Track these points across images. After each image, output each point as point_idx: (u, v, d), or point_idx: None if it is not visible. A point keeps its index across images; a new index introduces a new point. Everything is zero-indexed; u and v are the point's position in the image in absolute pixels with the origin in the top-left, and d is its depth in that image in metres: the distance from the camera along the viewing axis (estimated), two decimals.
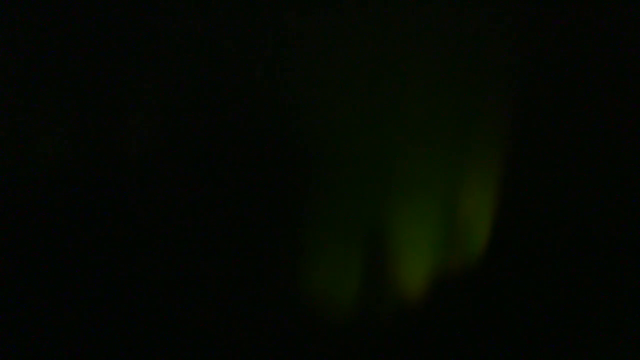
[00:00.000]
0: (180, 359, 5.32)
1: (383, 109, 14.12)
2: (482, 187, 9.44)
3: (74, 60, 18.64)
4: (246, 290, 6.45)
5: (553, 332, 5.71)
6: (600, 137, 12.20)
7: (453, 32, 25.65)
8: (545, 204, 8.86)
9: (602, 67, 18.86)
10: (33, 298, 5.73)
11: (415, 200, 8.96)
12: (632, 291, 6.36)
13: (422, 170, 10.20)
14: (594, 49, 21.84)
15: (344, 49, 21.67)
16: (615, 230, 7.86)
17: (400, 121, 13.15)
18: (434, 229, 7.98)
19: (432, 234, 7.84)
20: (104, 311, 5.87)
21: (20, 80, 15.44)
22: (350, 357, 5.46)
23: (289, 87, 16.09)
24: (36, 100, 13.93)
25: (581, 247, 7.43)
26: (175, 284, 6.51)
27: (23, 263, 6.26)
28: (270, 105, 14.26)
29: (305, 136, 12.15)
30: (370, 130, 12.51)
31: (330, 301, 6.28)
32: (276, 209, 8.53)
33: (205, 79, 16.66)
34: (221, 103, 14.53)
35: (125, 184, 9.43)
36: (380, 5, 34.26)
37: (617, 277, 6.64)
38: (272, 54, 20.45)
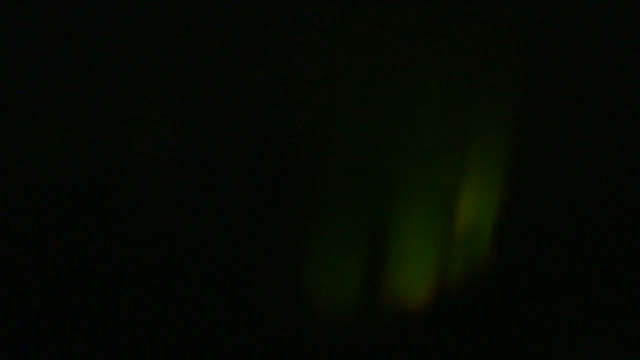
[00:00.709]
0: (183, 359, 5.31)
1: (387, 112, 14.10)
2: (486, 191, 9.42)
3: (75, 60, 18.63)
4: (248, 291, 6.44)
5: (556, 336, 5.70)
6: (605, 140, 12.17)
7: (458, 37, 25.59)
8: (549, 207, 8.84)
9: (605, 69, 18.81)
10: (33, 297, 5.73)
11: (419, 203, 8.94)
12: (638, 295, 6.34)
13: (426, 174, 10.19)
14: (596, 51, 21.80)
15: (347, 50, 21.63)
16: (623, 233, 7.84)
17: (405, 124, 13.13)
18: (437, 233, 7.96)
19: (435, 238, 7.83)
20: (106, 311, 5.87)
21: (21, 83, 15.43)
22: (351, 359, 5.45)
23: (291, 88, 16.07)
24: (38, 100, 13.93)
25: (586, 250, 7.41)
26: (178, 284, 6.50)
27: (23, 262, 6.26)
28: (273, 106, 14.24)
29: (309, 137, 12.14)
30: (373, 133, 12.49)
31: (331, 305, 6.27)
32: (279, 212, 8.52)
33: (208, 78, 16.64)
34: (224, 103, 14.52)
35: (129, 183, 9.42)
36: (383, 7, 34.19)
37: (624, 283, 6.63)
38: (275, 54, 20.42)
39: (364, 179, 9.84)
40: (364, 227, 8.11)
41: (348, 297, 6.39)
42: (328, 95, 15.48)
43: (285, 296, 6.36)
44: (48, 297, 5.90)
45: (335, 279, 6.77)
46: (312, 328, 5.85)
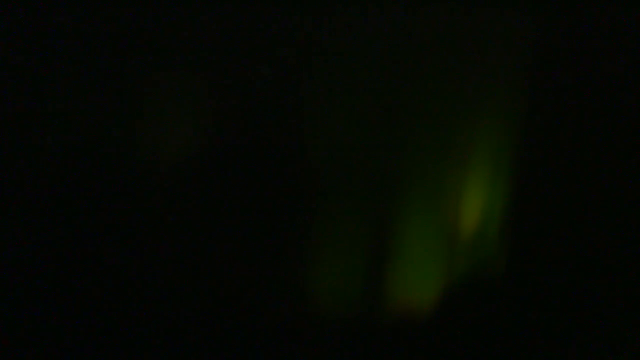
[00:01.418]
0: (183, 359, 5.32)
1: (393, 111, 14.10)
2: (492, 191, 9.41)
3: (75, 61, 18.65)
4: (248, 290, 6.45)
5: (561, 339, 5.69)
6: (609, 140, 12.16)
7: (460, 36, 25.59)
8: (557, 208, 8.83)
9: (607, 69, 18.79)
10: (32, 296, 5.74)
11: (424, 204, 8.94)
12: None
13: (431, 173, 10.19)
14: (599, 51, 21.77)
15: (350, 51, 21.64)
16: (628, 233, 7.83)
17: (410, 123, 13.13)
18: (442, 234, 7.96)
19: (440, 238, 7.83)
20: (108, 311, 5.88)
21: (22, 83, 15.46)
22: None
23: (296, 86, 16.07)
24: (39, 100, 13.96)
25: (593, 252, 7.40)
26: (179, 284, 6.51)
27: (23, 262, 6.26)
28: (277, 104, 14.24)
29: (311, 136, 12.14)
30: (378, 132, 12.49)
31: (335, 304, 6.27)
32: (282, 211, 8.52)
33: (211, 76, 16.65)
34: (226, 101, 14.53)
35: (132, 182, 9.43)
36: (386, 8, 34.18)
37: (629, 284, 6.61)
38: (279, 52, 20.43)
39: (369, 179, 9.84)
40: (368, 229, 8.10)
41: (351, 298, 6.39)
42: (331, 93, 15.48)
43: (287, 296, 6.36)
44: (55, 296, 5.91)
45: (338, 279, 6.77)
46: (314, 328, 5.84)
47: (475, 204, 8.84)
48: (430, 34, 25.88)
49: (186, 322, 5.81)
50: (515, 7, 35.82)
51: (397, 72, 18.04)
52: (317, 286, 6.60)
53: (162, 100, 14.63)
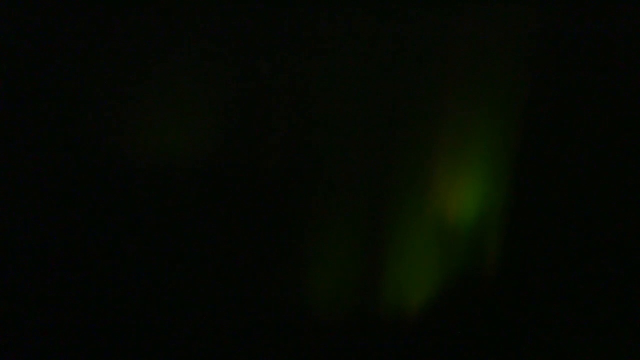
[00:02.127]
0: (181, 359, 5.32)
1: (389, 110, 14.11)
2: (488, 191, 9.42)
3: (73, 61, 18.64)
4: (247, 290, 6.45)
5: (558, 338, 5.70)
6: (608, 141, 12.18)
7: (460, 37, 25.60)
8: (552, 206, 8.84)
9: (608, 69, 18.81)
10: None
11: (420, 204, 8.95)
12: None
13: (427, 173, 10.20)
14: (600, 51, 21.79)
15: (351, 50, 21.65)
16: (626, 232, 7.84)
17: (408, 123, 13.14)
18: (439, 235, 7.96)
19: (437, 240, 7.83)
20: (107, 311, 5.87)
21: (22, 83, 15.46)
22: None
23: (295, 84, 16.08)
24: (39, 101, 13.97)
25: (592, 252, 7.41)
26: (178, 284, 6.51)
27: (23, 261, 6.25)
28: (276, 102, 14.24)
29: (310, 135, 12.15)
30: (375, 131, 12.50)
31: (331, 304, 6.27)
32: (279, 211, 8.53)
33: (210, 74, 16.65)
34: (226, 98, 14.53)
35: (132, 183, 9.42)
36: (387, 7, 34.21)
37: (628, 283, 6.62)
38: (278, 49, 20.44)
39: (366, 177, 9.84)
40: (364, 229, 8.11)
41: (347, 298, 6.39)
42: (330, 92, 15.48)
43: (284, 296, 6.36)
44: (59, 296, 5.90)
45: (334, 279, 6.77)
46: (311, 328, 5.85)
47: (472, 203, 8.84)
48: (431, 30, 25.93)
49: (182, 323, 5.81)
50: (514, 2, 35.85)
51: (397, 69, 18.05)
52: (313, 286, 6.60)
53: (160, 97, 14.63)
